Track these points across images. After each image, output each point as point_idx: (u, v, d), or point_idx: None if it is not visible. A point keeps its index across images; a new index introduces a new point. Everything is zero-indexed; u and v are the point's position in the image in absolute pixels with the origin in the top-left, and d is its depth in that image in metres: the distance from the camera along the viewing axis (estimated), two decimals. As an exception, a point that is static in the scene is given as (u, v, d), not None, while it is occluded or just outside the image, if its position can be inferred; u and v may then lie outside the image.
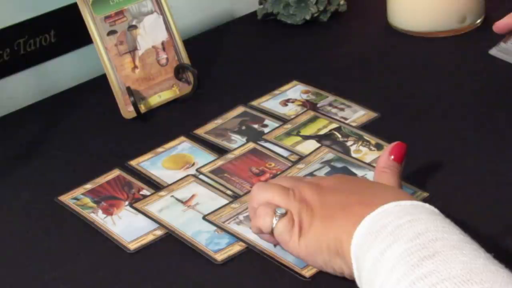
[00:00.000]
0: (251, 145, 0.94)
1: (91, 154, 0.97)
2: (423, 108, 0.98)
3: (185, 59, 1.06)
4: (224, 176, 0.89)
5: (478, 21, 1.14)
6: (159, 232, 0.82)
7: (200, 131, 0.98)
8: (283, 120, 0.98)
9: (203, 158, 0.92)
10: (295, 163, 0.89)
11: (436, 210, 0.66)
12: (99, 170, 0.92)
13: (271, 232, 0.72)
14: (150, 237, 0.81)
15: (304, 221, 0.71)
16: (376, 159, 0.86)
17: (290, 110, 1.00)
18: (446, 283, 0.55)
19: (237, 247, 0.78)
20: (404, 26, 1.15)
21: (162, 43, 1.05)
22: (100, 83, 1.05)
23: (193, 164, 0.92)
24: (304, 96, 1.02)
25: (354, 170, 0.87)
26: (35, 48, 1.10)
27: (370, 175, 0.85)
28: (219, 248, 0.78)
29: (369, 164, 0.88)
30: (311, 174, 0.87)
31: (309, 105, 1.00)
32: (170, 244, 0.80)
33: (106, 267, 0.79)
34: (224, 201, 0.85)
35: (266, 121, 0.98)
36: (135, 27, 1.03)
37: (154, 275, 0.77)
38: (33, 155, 0.97)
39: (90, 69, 1.12)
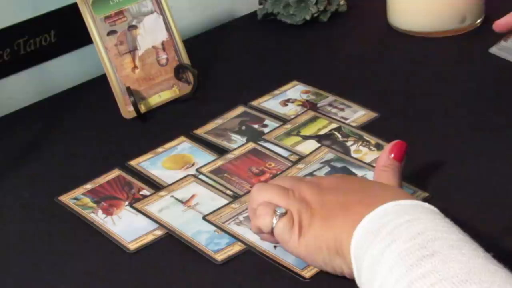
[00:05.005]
0: (251, 145, 0.93)
1: (91, 154, 0.97)
2: (423, 108, 0.98)
3: (185, 59, 1.06)
4: (224, 176, 0.89)
5: (478, 21, 1.14)
6: (159, 232, 0.82)
7: (200, 131, 0.98)
8: (283, 120, 0.98)
9: (203, 158, 0.92)
10: (295, 163, 0.89)
11: (435, 210, 0.66)
12: (99, 170, 0.92)
13: (271, 232, 0.72)
14: (150, 237, 0.81)
15: (304, 221, 0.71)
16: (376, 159, 0.86)
17: (290, 110, 1.00)
18: (445, 283, 0.55)
19: (237, 247, 0.78)
20: (404, 26, 1.15)
21: (162, 43, 1.05)
22: (100, 83, 1.05)
23: (193, 164, 0.92)
24: (304, 96, 1.02)
25: (354, 170, 0.87)
26: (35, 48, 1.09)
27: (370, 175, 0.85)
28: (219, 248, 0.78)
29: (369, 164, 0.87)
30: (311, 174, 0.87)
31: (309, 105, 1.00)
32: (170, 244, 0.80)
33: (106, 267, 0.79)
34: (224, 201, 0.85)
35: (266, 121, 0.98)
36: (135, 27, 1.03)
37: (154, 275, 0.77)
38: (33, 155, 0.97)
39: (90, 69, 1.12)
